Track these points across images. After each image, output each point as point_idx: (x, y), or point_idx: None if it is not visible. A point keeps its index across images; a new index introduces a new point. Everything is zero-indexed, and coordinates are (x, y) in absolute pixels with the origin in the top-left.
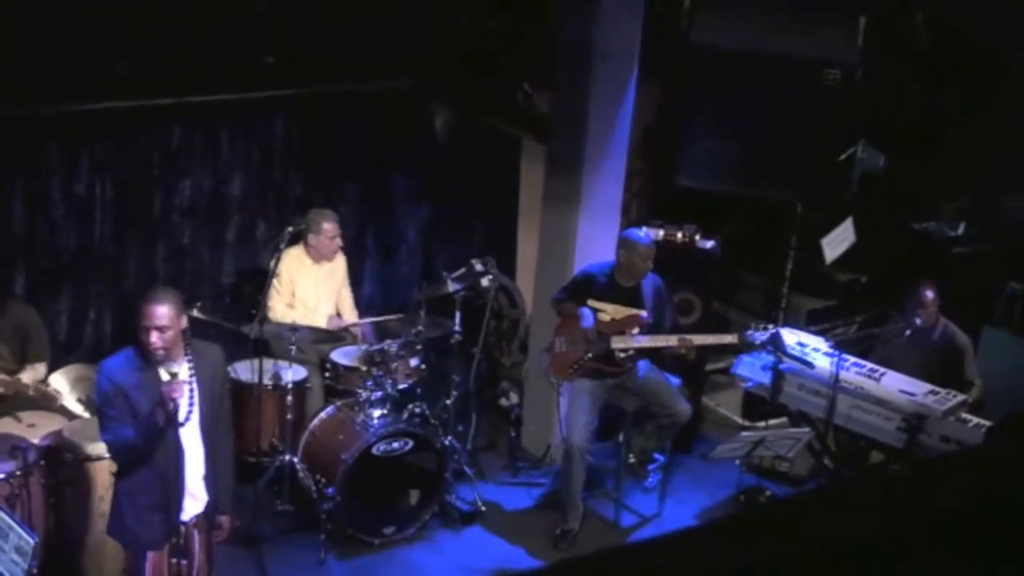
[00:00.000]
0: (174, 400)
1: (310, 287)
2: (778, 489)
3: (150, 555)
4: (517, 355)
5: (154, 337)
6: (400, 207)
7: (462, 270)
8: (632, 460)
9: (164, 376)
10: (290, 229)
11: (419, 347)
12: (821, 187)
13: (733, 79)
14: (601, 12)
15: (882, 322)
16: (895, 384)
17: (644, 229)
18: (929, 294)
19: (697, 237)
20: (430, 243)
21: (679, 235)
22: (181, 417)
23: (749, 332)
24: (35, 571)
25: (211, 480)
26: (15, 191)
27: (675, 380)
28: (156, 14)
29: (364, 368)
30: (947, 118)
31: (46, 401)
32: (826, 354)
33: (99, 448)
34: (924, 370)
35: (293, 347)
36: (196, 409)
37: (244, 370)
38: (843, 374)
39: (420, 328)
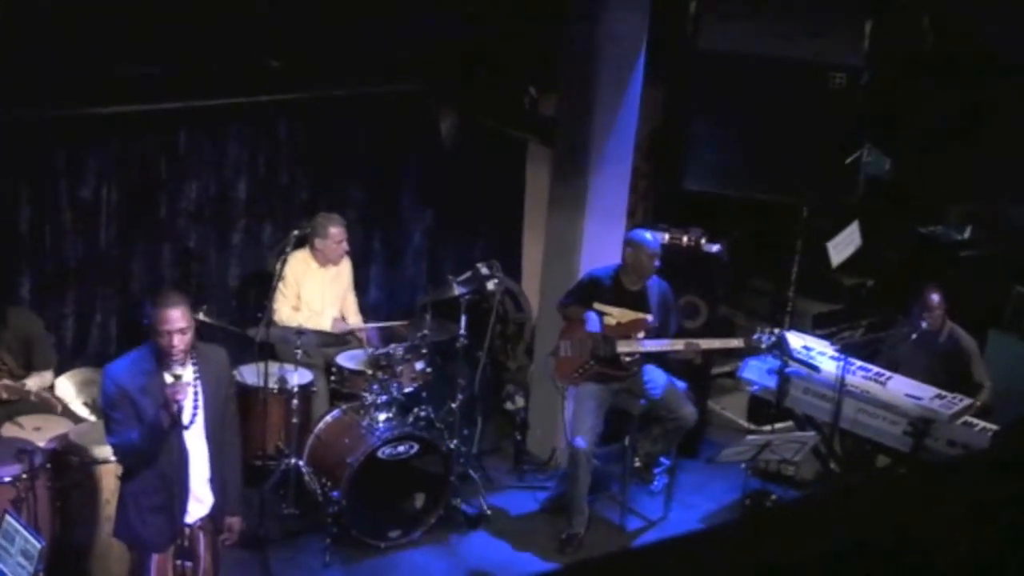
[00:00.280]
0: (178, 402)
1: (316, 291)
2: (784, 493)
3: (155, 557)
4: (523, 359)
5: (176, 340)
6: (406, 211)
7: (468, 274)
8: (638, 464)
9: (169, 379)
10: (296, 233)
11: (424, 351)
12: (827, 191)
13: (739, 82)
14: (607, 16)
15: (888, 326)
16: (901, 388)
17: (650, 231)
18: (935, 297)
19: (703, 241)
20: (436, 247)
21: (685, 239)
22: (185, 420)
23: (755, 336)
24: (41, 574)
25: (216, 483)
26: (21, 195)
27: (681, 384)
28: (161, 18)
29: (370, 372)
30: (953, 121)
31: (47, 406)
32: (832, 358)
33: (105, 451)
34: (930, 374)
35: (299, 351)
36: (201, 412)
37: (250, 373)
38: (849, 378)
39: (426, 332)
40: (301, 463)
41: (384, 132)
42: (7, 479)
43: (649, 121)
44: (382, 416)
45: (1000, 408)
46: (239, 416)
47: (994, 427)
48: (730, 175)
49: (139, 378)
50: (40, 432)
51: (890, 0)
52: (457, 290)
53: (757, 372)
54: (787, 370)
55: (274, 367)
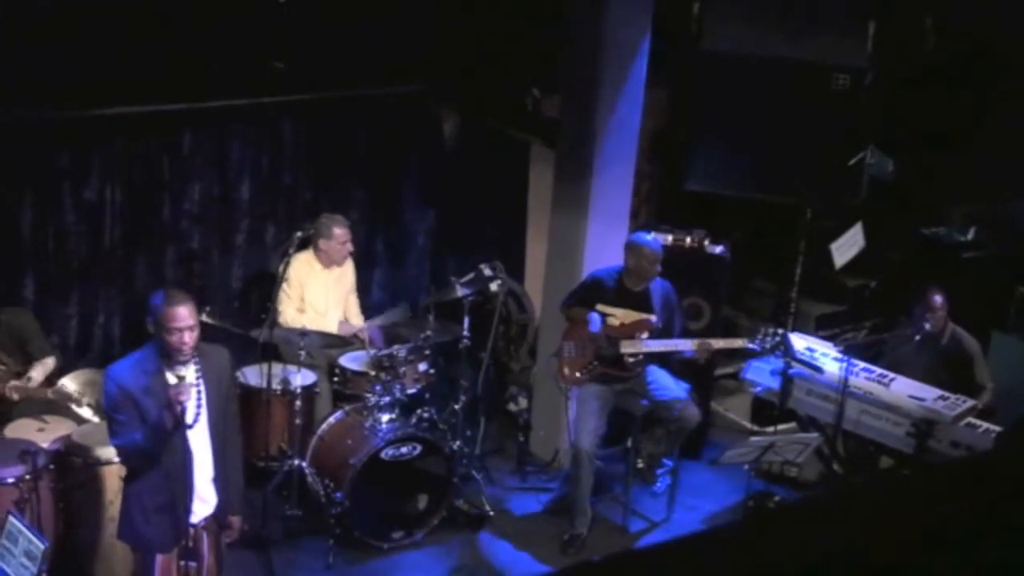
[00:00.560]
0: (181, 403)
1: (320, 292)
2: (787, 494)
3: (159, 558)
4: (526, 360)
5: (187, 338)
6: (408, 212)
7: (471, 275)
8: (641, 465)
9: (171, 379)
10: (299, 234)
11: (428, 352)
12: (830, 192)
13: (742, 83)
14: (610, 17)
15: (891, 327)
16: (904, 389)
17: (652, 233)
18: (938, 299)
19: (706, 242)
20: (439, 248)
21: (688, 240)
22: (189, 420)
23: (757, 336)
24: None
25: (219, 482)
26: (25, 196)
27: (684, 385)
28: (165, 19)
29: (373, 373)
30: (956, 123)
31: (65, 400)
32: (835, 359)
33: (108, 452)
34: (933, 375)
35: (302, 352)
36: (204, 411)
37: (253, 375)
38: (852, 379)
39: (429, 333)
40: (304, 464)
41: (387, 133)
42: (10, 480)
43: (652, 122)
44: (385, 417)
45: (1003, 409)
46: (241, 416)
47: (997, 428)
48: (733, 176)
49: (142, 379)
50: (43, 433)
51: (893, 1)
52: (460, 291)
53: (760, 373)
54: (790, 371)
55: (277, 368)
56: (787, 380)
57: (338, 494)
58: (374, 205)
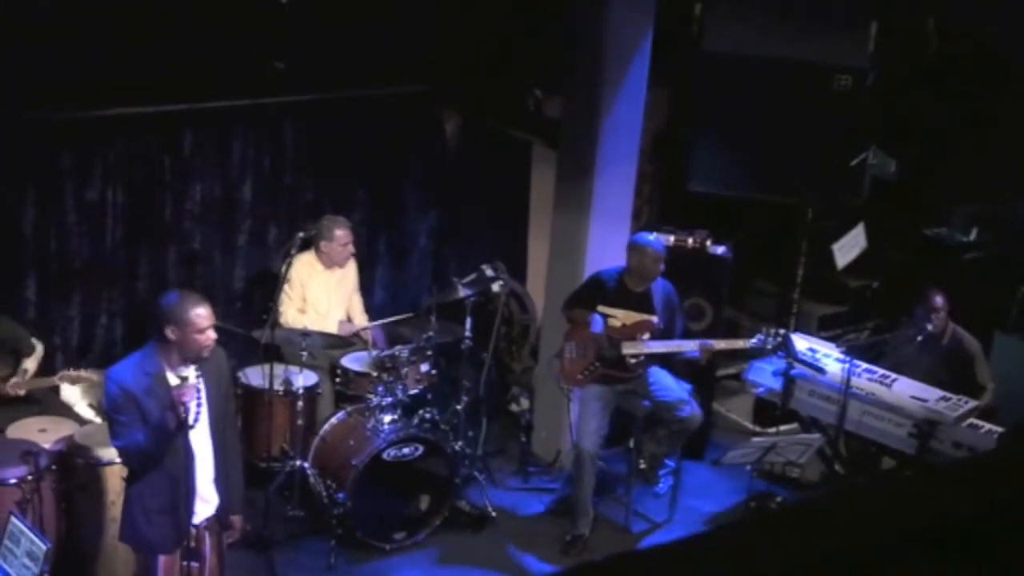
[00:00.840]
0: (184, 404)
1: (321, 293)
2: (789, 495)
3: (162, 559)
4: (528, 360)
5: (212, 335)
6: (410, 213)
7: (473, 275)
8: (643, 466)
9: (173, 380)
10: (301, 234)
11: (430, 353)
12: (832, 192)
13: (743, 84)
14: (612, 17)
15: (893, 328)
16: (906, 390)
17: (654, 234)
18: (938, 299)
19: (708, 243)
20: (441, 248)
21: (690, 240)
22: (191, 420)
23: (759, 336)
24: None
25: (220, 482)
26: (27, 196)
27: (686, 386)
28: (167, 19)
29: (375, 374)
30: (958, 123)
31: (72, 381)
32: (837, 360)
33: (110, 453)
34: (934, 376)
35: (304, 352)
36: (205, 411)
37: (255, 375)
38: (854, 380)
39: (431, 333)
40: (306, 465)
41: (389, 134)
42: (12, 481)
43: (654, 123)
44: (387, 418)
45: (1005, 410)
46: (243, 417)
47: (999, 429)
48: (735, 177)
49: (143, 380)
50: (45, 434)
51: (895, 2)
52: (462, 292)
53: (762, 374)
54: (792, 372)
55: (279, 369)
56: (789, 381)
57: (340, 495)
58: (376, 206)
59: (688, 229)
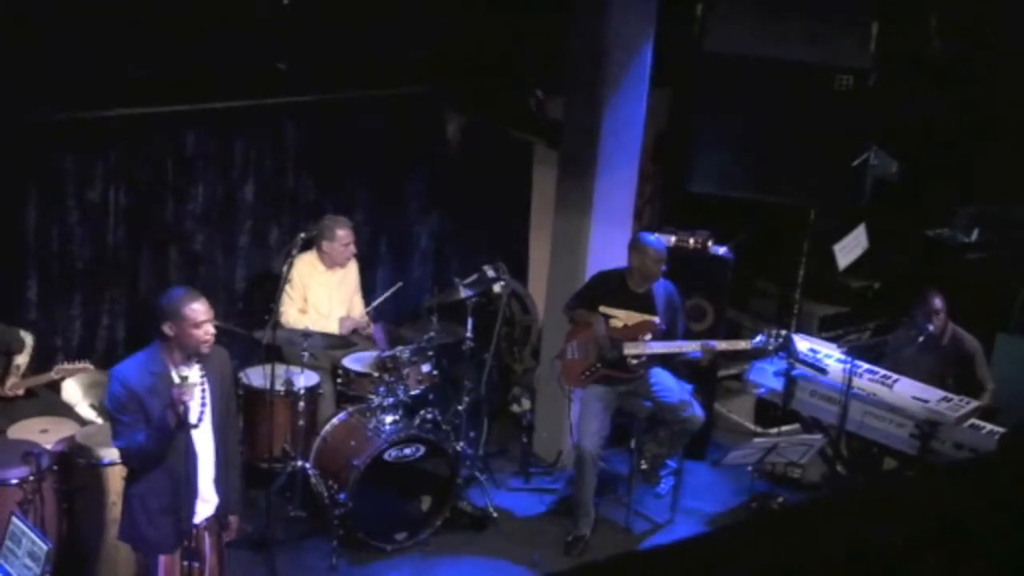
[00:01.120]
0: (184, 403)
1: (323, 293)
2: (790, 496)
3: (162, 559)
4: (529, 361)
5: (210, 329)
6: (412, 213)
7: (474, 276)
8: (644, 466)
9: (176, 379)
10: (302, 235)
11: (431, 353)
12: (834, 193)
13: (745, 84)
14: (613, 17)
15: (894, 328)
16: (908, 390)
17: (656, 234)
18: (937, 301)
19: (709, 243)
20: (442, 249)
21: (691, 241)
22: (193, 419)
23: (760, 337)
24: None
25: (221, 482)
26: (29, 197)
27: (687, 386)
28: (169, 20)
29: (376, 374)
30: (960, 124)
31: (69, 374)
32: (838, 360)
33: (112, 453)
34: (935, 376)
35: (305, 353)
36: (207, 411)
37: (256, 376)
38: (856, 380)
39: (432, 334)
40: (307, 465)
41: (390, 135)
42: (14, 481)
43: (655, 123)
44: (388, 418)
45: (1006, 410)
46: (245, 418)
47: (1000, 429)
48: (736, 177)
49: (147, 379)
50: (47, 434)
51: (897, 2)
52: (463, 292)
53: (764, 375)
54: (794, 373)
55: (280, 369)
56: (790, 381)
57: (341, 495)
58: (377, 206)
59: (689, 229)
